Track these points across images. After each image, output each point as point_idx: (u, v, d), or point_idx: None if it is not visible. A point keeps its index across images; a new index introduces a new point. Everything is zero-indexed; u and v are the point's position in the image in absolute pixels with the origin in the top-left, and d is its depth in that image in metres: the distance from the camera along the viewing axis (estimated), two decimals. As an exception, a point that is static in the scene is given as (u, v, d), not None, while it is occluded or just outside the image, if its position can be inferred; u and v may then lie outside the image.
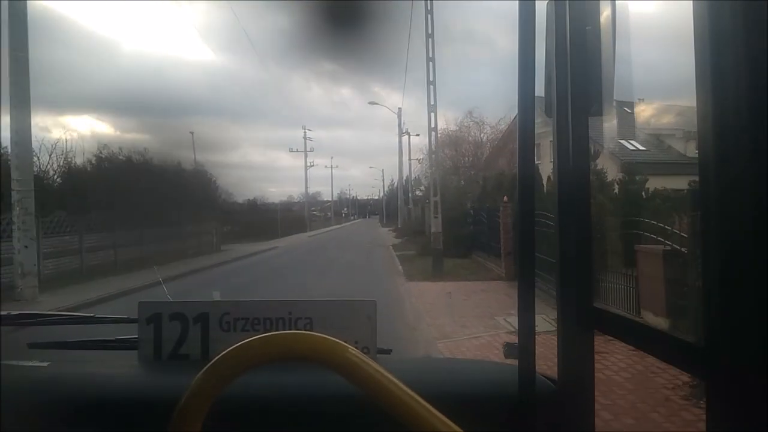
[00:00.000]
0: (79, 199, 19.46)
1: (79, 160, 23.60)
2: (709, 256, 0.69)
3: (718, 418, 0.69)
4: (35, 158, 20.27)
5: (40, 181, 18.80)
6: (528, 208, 1.11)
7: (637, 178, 16.22)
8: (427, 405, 0.69)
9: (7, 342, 1.54)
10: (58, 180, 21.68)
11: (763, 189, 0.61)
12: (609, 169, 17.24)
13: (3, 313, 1.56)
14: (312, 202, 74.90)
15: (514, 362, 1.16)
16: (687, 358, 0.81)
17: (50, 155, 21.70)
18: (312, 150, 59.55)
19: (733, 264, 0.65)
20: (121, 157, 25.81)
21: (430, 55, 15.98)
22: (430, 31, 15.88)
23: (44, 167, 21.45)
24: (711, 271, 0.69)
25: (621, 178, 16.16)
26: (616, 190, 15.40)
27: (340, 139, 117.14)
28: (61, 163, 22.10)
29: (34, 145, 20.76)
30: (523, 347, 1.12)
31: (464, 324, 9.05)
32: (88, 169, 23.87)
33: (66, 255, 17.60)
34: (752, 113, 0.62)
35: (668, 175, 15.55)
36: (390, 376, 0.70)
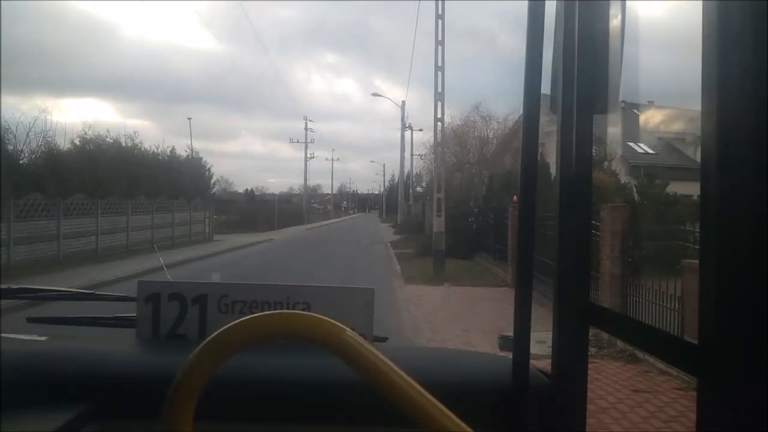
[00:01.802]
0: (59, 182, 18.34)
1: (60, 141, 22.33)
2: (706, 256, 0.70)
3: (708, 414, 0.70)
4: (11, 137, 19.12)
5: (14, 160, 17.66)
6: (529, 204, 1.15)
7: (657, 181, 15.43)
8: (421, 389, 0.69)
9: (6, 315, 1.66)
10: (36, 160, 20.36)
11: (763, 191, 0.62)
12: (618, 171, 16.66)
13: (3, 286, 1.61)
14: (312, 194, 74.34)
15: (509, 354, 1.19)
16: (679, 354, 0.83)
17: (27, 135, 20.39)
18: (312, 141, 58.71)
19: (730, 265, 0.67)
20: (108, 140, 24.71)
21: (439, 39, 14.77)
22: (440, 12, 14.65)
23: (21, 147, 20.15)
24: (707, 270, 0.70)
25: (639, 182, 15.39)
26: (635, 195, 14.56)
27: (342, 132, 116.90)
28: (40, 143, 20.77)
29: (11, 123, 19.62)
30: (518, 340, 1.16)
31: (469, 341, 7.94)
32: (72, 150, 22.65)
33: (42, 241, 16.44)
34: (758, 118, 0.63)
35: (678, 180, 15.04)
36: (385, 359, 0.71)
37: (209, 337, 0.71)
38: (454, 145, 29.41)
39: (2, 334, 1.38)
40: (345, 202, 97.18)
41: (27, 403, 1.13)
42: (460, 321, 9.30)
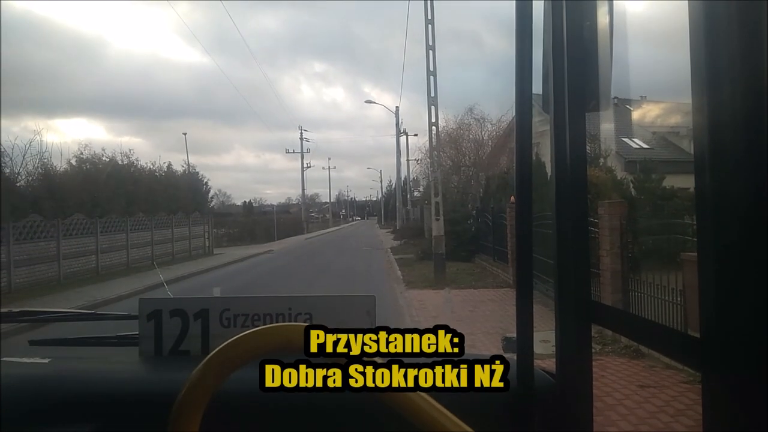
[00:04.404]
0: (57, 203, 18.33)
1: (56, 161, 22.29)
2: (705, 250, 0.71)
3: (714, 408, 0.70)
4: (7, 159, 19.11)
5: (12, 183, 17.65)
6: (526, 205, 1.16)
7: (653, 176, 15.44)
8: (426, 396, 0.70)
9: (8, 339, 1.65)
10: (33, 182, 20.31)
11: (760, 185, 0.62)
12: (614, 167, 16.66)
13: (4, 310, 1.62)
14: (310, 203, 74.27)
15: (513, 356, 1.18)
16: (682, 349, 0.83)
17: (23, 157, 20.33)
18: (309, 151, 58.63)
19: (728, 257, 0.67)
20: (104, 159, 24.70)
21: (430, 44, 14.80)
22: (429, 17, 14.71)
23: (17, 169, 20.07)
24: (707, 263, 0.70)
25: (636, 177, 15.40)
26: (632, 190, 14.56)
27: (336, 141, 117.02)
28: (36, 164, 20.70)
29: (7, 146, 19.57)
30: (521, 341, 1.16)
31: (473, 344, 7.91)
32: (69, 170, 22.62)
33: (42, 262, 16.41)
34: (748, 111, 0.63)
35: (674, 174, 14.95)
36: None
37: (210, 354, 0.71)
38: (450, 149, 29.41)
39: (4, 358, 1.37)
40: (343, 210, 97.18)
41: (31, 427, 1.12)
42: (463, 324, 9.28)
